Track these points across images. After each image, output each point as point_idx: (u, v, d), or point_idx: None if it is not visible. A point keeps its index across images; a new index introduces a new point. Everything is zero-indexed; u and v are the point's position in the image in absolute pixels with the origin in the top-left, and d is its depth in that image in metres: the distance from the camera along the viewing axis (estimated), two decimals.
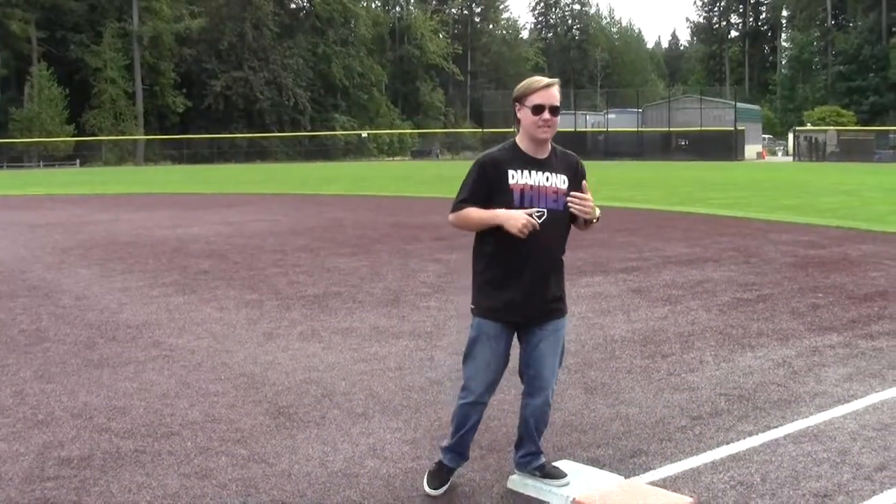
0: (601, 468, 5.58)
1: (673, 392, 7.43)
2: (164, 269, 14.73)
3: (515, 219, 4.76)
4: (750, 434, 6.35)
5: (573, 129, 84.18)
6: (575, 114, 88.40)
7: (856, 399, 7.19)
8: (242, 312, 10.96)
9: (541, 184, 4.93)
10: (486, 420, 6.65)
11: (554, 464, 5.44)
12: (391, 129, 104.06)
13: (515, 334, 5.19)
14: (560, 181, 4.98)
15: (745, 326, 9.93)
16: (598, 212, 5.00)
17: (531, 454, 5.35)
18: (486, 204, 4.89)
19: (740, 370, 8.10)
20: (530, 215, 4.79)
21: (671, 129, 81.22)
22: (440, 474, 5.34)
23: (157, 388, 7.62)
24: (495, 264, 5.01)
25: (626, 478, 5.42)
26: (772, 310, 10.84)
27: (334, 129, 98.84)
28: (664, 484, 5.36)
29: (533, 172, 4.94)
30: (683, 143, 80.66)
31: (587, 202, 4.90)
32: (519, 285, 4.98)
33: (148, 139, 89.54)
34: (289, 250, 17.06)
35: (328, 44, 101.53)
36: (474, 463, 5.80)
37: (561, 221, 5.00)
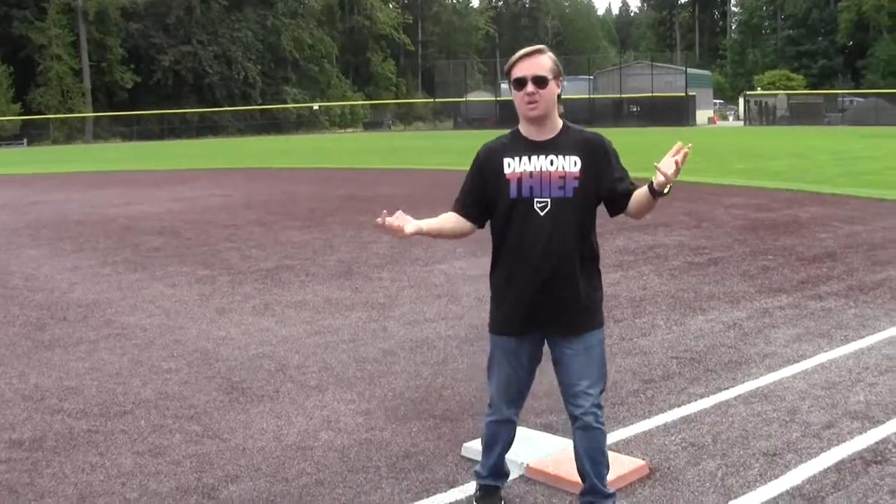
0: (554, 434, 5.62)
1: (625, 356, 7.48)
2: (115, 247, 14.61)
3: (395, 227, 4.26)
4: (701, 396, 6.42)
5: None
6: None
7: (805, 359, 7.29)
8: (195, 288, 10.91)
9: (543, 169, 4.23)
10: (440, 388, 6.70)
11: None
12: (343, 100, 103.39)
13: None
14: (569, 163, 4.25)
15: (697, 290, 10.01)
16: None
17: (587, 495, 4.52)
18: (486, 201, 4.37)
19: (692, 333, 8.17)
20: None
21: (623, 95, 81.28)
22: (490, 497, 4.74)
23: (109, 368, 7.58)
24: (498, 266, 4.44)
25: None
26: (723, 273, 10.94)
27: (285, 103, 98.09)
28: (617, 447, 5.40)
29: (534, 157, 4.26)
30: (635, 109, 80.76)
31: (674, 163, 4.16)
32: (523, 292, 4.32)
33: (97, 116, 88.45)
34: (241, 225, 16.98)
35: (277, 16, 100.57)
36: (429, 432, 5.82)
37: (573, 210, 4.25)
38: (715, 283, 10.33)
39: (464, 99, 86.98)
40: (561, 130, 4.34)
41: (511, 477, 4.94)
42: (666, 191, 4.20)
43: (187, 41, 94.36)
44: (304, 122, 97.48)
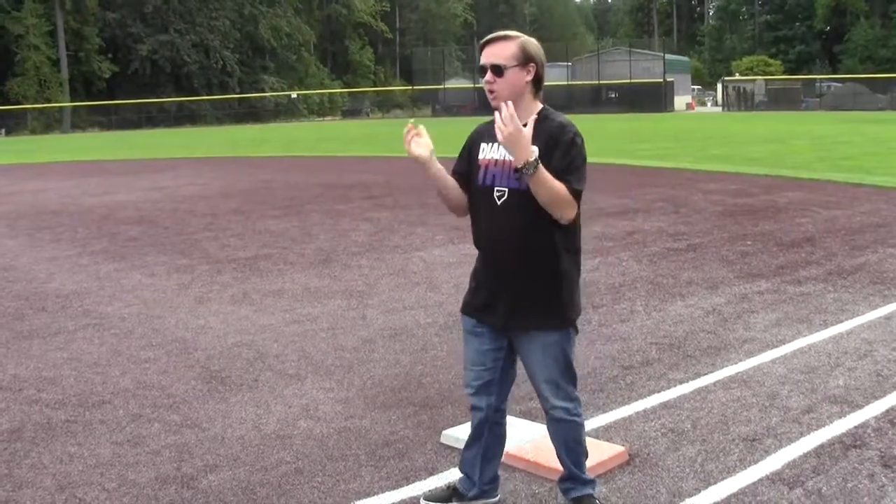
0: (533, 420, 5.62)
1: (605, 343, 7.49)
2: (94, 236, 14.55)
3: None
4: (680, 382, 6.44)
5: None
6: None
7: (784, 344, 7.31)
8: (173, 278, 10.87)
9: (506, 158, 4.07)
10: (419, 376, 6.70)
11: None
12: (321, 89, 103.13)
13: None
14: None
15: (676, 276, 10.03)
16: (530, 158, 3.85)
17: (566, 482, 4.51)
18: (468, 179, 4.30)
19: (671, 319, 8.19)
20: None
21: (601, 81, 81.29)
22: (439, 490, 4.69)
23: (87, 357, 7.55)
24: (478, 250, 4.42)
25: None
26: (701, 258, 10.96)
27: (263, 91, 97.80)
28: (596, 434, 5.42)
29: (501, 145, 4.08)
30: (613, 95, 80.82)
31: (507, 123, 3.86)
32: (484, 279, 4.30)
33: (74, 106, 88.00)
34: (219, 214, 16.92)
35: (255, 4, 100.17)
36: (408, 420, 5.82)
37: (529, 202, 4.01)
38: (694, 269, 10.35)
39: (442, 86, 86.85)
40: (532, 120, 4.05)
41: None
42: (520, 167, 3.88)
43: (165, 30, 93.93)
44: (283, 111, 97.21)
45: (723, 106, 78.94)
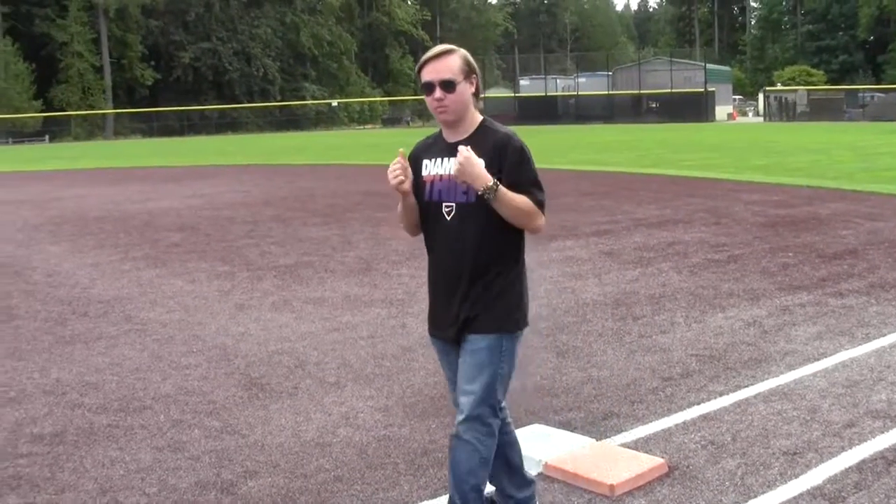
0: (573, 431, 5.61)
1: (644, 354, 7.46)
2: (135, 243, 14.67)
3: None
4: (721, 394, 6.39)
5: (543, 94, 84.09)
6: (545, 78, 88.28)
7: (825, 357, 7.24)
8: (214, 284, 10.94)
9: (450, 173, 4.01)
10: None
11: (527, 427, 5.43)
12: (361, 97, 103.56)
13: None
14: None
15: (716, 287, 9.97)
16: (489, 183, 3.85)
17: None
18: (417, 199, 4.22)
19: (711, 331, 8.14)
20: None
21: (641, 91, 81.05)
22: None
23: (129, 363, 7.61)
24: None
25: (597, 440, 5.44)
26: (742, 270, 10.89)
27: (304, 99, 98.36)
28: (636, 445, 5.40)
29: (445, 160, 4.08)
30: (654, 105, 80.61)
31: (464, 165, 3.87)
32: (437, 296, 4.26)
33: (117, 113, 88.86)
34: (260, 221, 17.01)
35: (296, 12, 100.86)
36: (447, 429, 5.80)
37: (477, 215, 3.99)
38: (735, 281, 10.29)
39: (482, 95, 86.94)
40: (474, 132, 4.10)
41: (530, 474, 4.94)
42: (480, 192, 3.88)
43: (207, 38, 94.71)
44: (323, 119, 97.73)
45: (764, 116, 78.49)
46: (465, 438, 4.04)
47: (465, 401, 4.04)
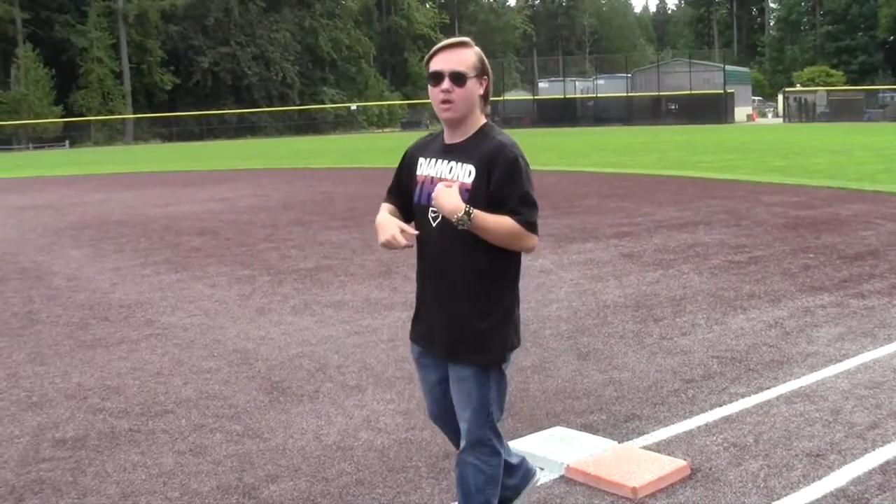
0: (595, 434, 5.60)
1: (665, 356, 7.44)
2: (156, 247, 14.71)
3: (382, 230, 3.91)
4: (742, 396, 6.37)
5: (562, 96, 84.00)
6: (564, 80, 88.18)
7: (848, 358, 7.21)
8: (234, 288, 10.96)
9: (442, 175, 3.83)
10: None
11: (549, 430, 5.42)
12: (380, 100, 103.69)
13: None
14: (464, 173, 3.78)
15: (737, 289, 9.94)
16: (463, 211, 3.63)
17: None
18: (406, 198, 4.07)
19: (732, 332, 8.11)
20: (423, 225, 3.95)
21: (661, 93, 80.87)
22: None
23: (150, 367, 7.63)
24: None
25: (619, 443, 5.43)
26: (763, 271, 10.86)
27: (323, 103, 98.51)
28: (658, 448, 5.38)
29: (439, 161, 3.89)
30: (673, 107, 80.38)
31: (435, 198, 3.74)
32: (421, 303, 4.08)
33: (137, 118, 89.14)
34: (280, 225, 17.04)
35: (315, 17, 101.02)
36: None
37: (461, 231, 3.72)
38: (756, 282, 10.25)
39: (501, 98, 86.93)
40: (474, 135, 3.85)
41: (551, 477, 4.94)
42: (453, 222, 3.67)
43: (226, 43, 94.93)
44: (342, 123, 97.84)
45: (784, 117, 78.21)
46: (469, 461, 3.97)
47: (464, 427, 3.94)
